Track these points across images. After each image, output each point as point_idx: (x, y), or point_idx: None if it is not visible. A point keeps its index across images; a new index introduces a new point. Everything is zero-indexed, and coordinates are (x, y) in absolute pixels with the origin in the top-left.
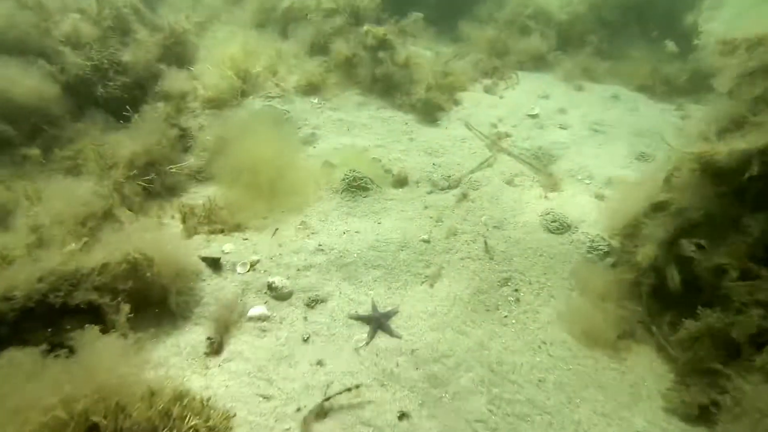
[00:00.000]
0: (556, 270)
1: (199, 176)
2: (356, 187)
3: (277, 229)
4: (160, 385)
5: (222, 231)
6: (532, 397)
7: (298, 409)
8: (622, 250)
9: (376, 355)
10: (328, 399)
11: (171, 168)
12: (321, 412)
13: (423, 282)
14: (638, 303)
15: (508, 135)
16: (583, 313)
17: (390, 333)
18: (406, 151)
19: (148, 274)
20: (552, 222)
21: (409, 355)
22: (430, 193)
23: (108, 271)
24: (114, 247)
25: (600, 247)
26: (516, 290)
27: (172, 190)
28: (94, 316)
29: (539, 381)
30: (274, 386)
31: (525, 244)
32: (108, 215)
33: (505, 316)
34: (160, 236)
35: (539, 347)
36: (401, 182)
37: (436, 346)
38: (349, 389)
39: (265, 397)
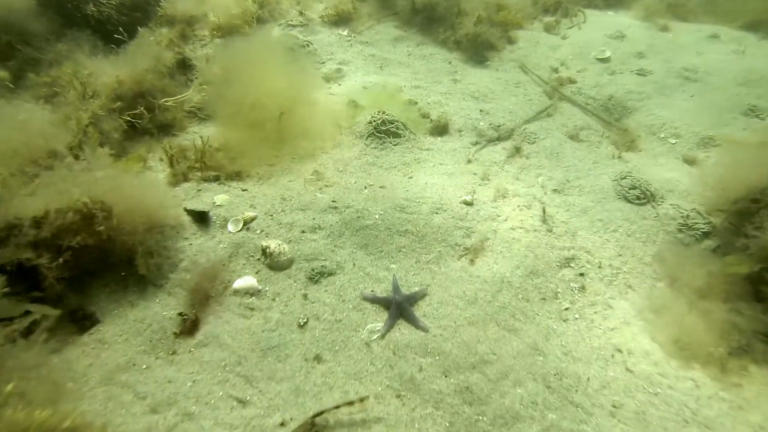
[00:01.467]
0: (635, 251)
1: (201, 114)
2: (385, 132)
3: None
4: None
5: (217, 179)
6: (605, 430)
7: (282, 424)
8: (731, 231)
9: (394, 353)
10: (321, 413)
11: (166, 101)
12: (311, 431)
13: (461, 256)
14: (757, 307)
15: (571, 81)
16: (674, 313)
17: (414, 323)
18: (447, 95)
19: (103, 228)
20: (630, 189)
21: (436, 357)
22: (475, 144)
23: (49, 222)
24: (60, 191)
25: (697, 226)
26: (581, 274)
27: (165, 129)
28: (29, 280)
29: (613, 407)
30: (253, 387)
31: (594, 215)
32: (74, 152)
33: (566, 309)
34: (133, 181)
35: (612, 356)
36: (440, 130)
37: (475, 346)
38: (351, 402)
39: (240, 402)
